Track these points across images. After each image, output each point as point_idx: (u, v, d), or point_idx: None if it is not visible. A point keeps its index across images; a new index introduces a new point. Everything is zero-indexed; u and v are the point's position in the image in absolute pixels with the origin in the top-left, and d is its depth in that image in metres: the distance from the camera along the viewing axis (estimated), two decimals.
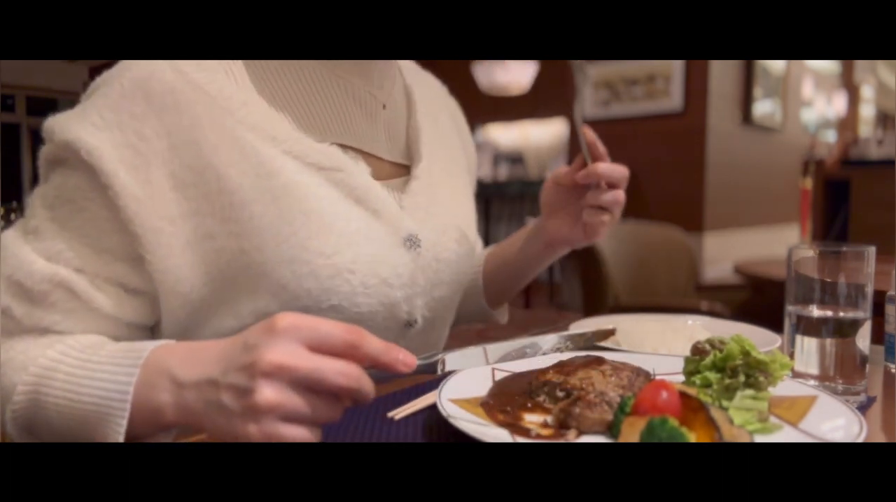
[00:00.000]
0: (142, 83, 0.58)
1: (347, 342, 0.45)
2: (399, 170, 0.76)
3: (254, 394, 0.43)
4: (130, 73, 0.59)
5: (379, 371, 0.48)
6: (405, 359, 0.47)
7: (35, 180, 0.63)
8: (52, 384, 0.55)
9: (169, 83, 0.59)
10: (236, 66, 0.64)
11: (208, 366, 0.47)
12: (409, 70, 0.85)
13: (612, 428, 0.53)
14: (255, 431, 0.43)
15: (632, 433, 0.48)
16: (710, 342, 0.60)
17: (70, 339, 0.58)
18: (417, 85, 0.83)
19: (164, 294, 0.60)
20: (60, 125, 0.58)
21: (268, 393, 0.42)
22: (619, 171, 0.76)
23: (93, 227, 0.59)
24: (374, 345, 0.46)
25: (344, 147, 0.69)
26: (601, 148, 0.76)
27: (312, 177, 0.64)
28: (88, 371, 0.54)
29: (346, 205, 0.66)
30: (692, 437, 0.46)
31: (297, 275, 0.62)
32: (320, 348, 0.45)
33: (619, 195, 0.77)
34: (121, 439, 0.51)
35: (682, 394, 0.51)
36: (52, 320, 0.58)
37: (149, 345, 0.53)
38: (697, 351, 0.61)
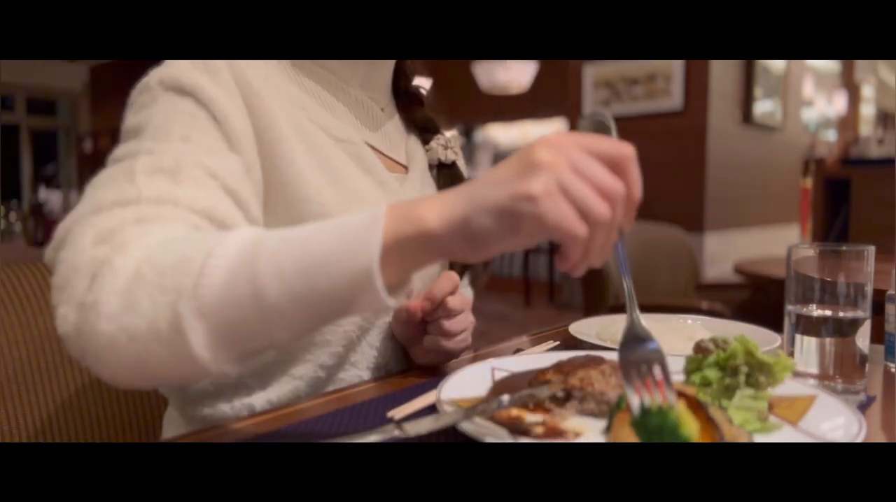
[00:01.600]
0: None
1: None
2: (398, 168, 0.83)
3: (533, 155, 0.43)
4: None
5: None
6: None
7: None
8: (273, 238, 0.47)
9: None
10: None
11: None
12: None
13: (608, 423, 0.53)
14: (537, 186, 0.42)
15: (622, 426, 0.48)
16: (713, 341, 0.60)
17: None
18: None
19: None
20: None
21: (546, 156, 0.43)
22: (465, 301, 0.75)
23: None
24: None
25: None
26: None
27: (332, 146, 0.73)
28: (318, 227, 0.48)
29: (357, 173, 0.74)
30: (688, 424, 0.46)
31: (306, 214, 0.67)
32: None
33: (469, 318, 0.78)
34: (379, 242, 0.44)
35: (681, 394, 0.50)
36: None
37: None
38: (701, 349, 0.61)
